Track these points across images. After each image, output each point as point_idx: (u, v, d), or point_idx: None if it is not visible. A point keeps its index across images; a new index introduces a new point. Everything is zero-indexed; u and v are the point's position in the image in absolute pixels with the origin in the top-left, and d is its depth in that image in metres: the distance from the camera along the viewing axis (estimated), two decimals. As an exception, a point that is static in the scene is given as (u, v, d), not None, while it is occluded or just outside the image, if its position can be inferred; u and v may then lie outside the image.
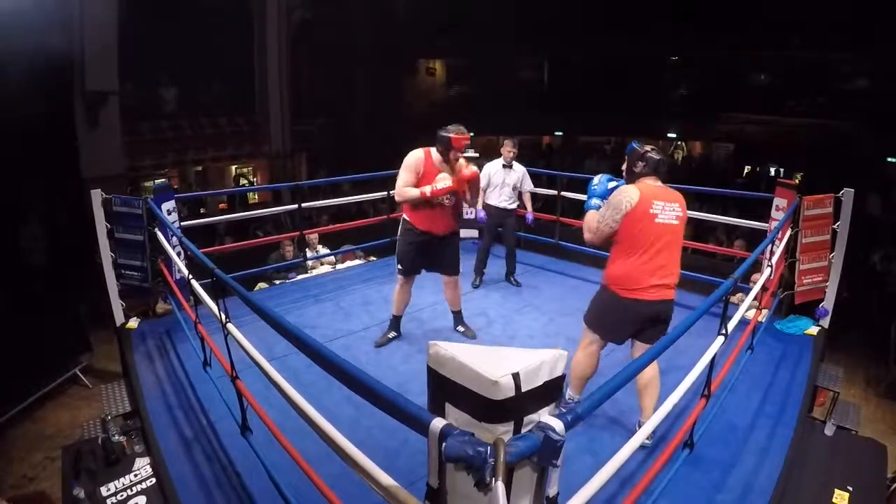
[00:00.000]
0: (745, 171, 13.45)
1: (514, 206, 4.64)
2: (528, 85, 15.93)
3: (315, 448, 1.85)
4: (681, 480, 2.25)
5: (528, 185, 4.67)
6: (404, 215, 3.45)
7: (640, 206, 2.37)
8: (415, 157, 3.28)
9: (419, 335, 3.77)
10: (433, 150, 3.31)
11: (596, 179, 2.66)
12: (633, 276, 2.42)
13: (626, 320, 2.51)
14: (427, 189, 3.20)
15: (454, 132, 3.22)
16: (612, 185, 2.60)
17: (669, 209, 2.41)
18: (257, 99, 11.69)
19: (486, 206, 4.62)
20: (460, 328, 3.77)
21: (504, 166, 4.55)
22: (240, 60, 11.28)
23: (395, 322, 3.71)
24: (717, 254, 6.44)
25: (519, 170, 4.59)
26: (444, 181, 3.20)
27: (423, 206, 3.32)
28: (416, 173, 3.27)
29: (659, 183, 2.46)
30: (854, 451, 2.80)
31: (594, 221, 2.51)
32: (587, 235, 2.55)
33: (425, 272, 3.62)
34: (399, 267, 3.51)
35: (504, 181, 4.54)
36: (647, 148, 2.49)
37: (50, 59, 7.36)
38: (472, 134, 3.35)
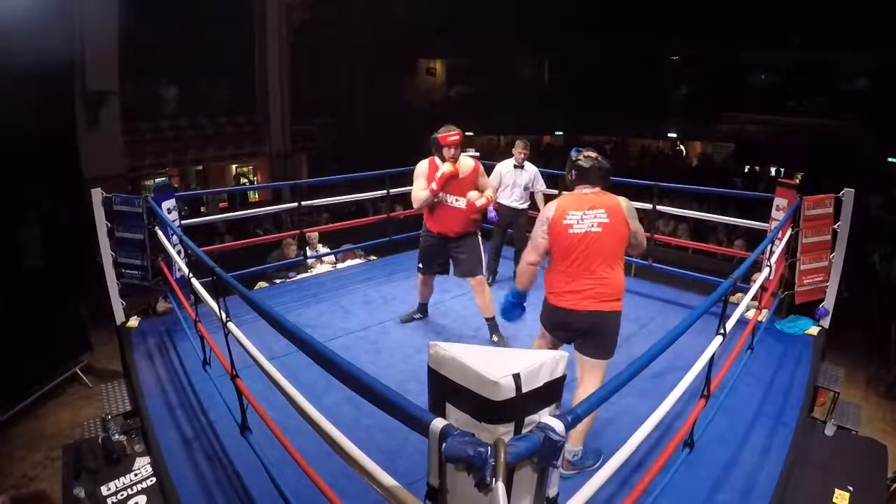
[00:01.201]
0: (745, 170, 13.46)
1: (524, 206, 4.65)
2: (528, 84, 15.92)
3: (315, 447, 1.85)
4: (681, 480, 2.25)
5: (541, 186, 4.68)
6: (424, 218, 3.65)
7: (555, 217, 2.43)
8: (421, 166, 3.51)
9: (419, 335, 3.77)
10: (437, 158, 3.44)
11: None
12: (553, 282, 2.48)
13: (552, 324, 2.53)
14: (433, 184, 3.35)
15: (441, 132, 3.35)
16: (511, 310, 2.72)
17: (590, 217, 2.39)
18: (257, 99, 11.69)
19: (498, 206, 4.62)
20: (494, 338, 3.65)
21: (515, 166, 4.58)
22: (240, 60, 11.29)
23: (422, 307, 3.98)
24: (717, 254, 6.44)
25: (530, 170, 4.61)
26: (442, 169, 3.33)
27: (436, 209, 3.49)
28: (424, 179, 3.46)
29: (588, 190, 2.46)
30: (854, 451, 2.80)
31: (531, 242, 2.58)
32: (531, 257, 2.55)
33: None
34: (419, 266, 3.72)
35: (515, 181, 4.57)
36: (580, 157, 2.49)
37: (50, 59, 7.36)
38: (463, 131, 3.41)
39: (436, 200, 3.43)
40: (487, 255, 4.73)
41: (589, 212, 2.40)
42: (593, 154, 2.49)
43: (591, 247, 2.38)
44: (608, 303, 2.40)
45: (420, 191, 3.43)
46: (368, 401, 1.32)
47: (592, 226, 2.38)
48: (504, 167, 4.62)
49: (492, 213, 4.61)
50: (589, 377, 2.47)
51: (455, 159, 3.36)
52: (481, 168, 3.56)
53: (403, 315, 3.98)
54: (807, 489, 2.50)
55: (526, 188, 4.61)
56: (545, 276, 2.54)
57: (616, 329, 2.46)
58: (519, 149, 4.57)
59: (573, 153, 2.53)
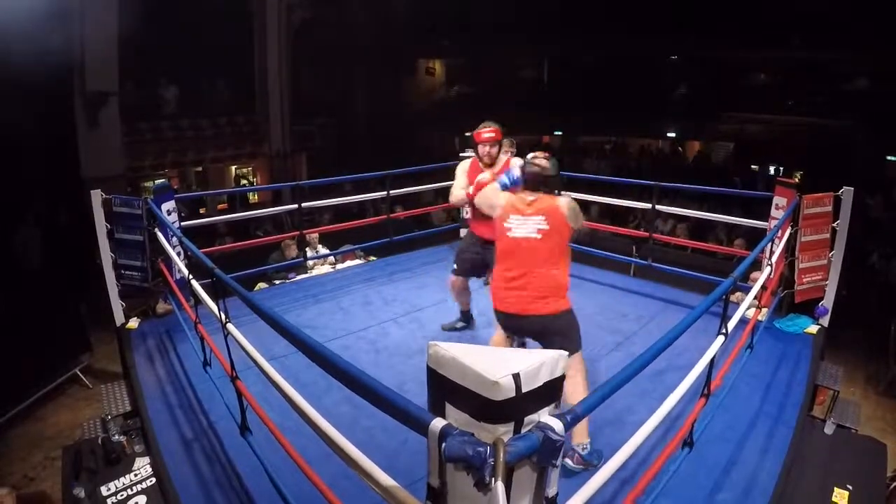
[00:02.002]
0: (744, 169, 13.45)
1: None
2: (527, 85, 15.93)
3: (315, 448, 1.86)
4: (681, 480, 2.25)
5: None
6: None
7: (500, 217, 2.50)
8: (463, 164, 3.48)
9: (419, 335, 3.76)
10: (477, 156, 3.38)
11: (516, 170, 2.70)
12: (496, 285, 2.55)
13: (504, 326, 2.60)
14: (469, 188, 3.25)
15: (478, 129, 3.27)
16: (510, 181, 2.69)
17: (530, 223, 2.42)
18: (257, 99, 11.70)
19: None
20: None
21: None
22: (240, 60, 11.29)
23: (464, 315, 3.81)
24: (717, 253, 6.44)
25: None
26: (480, 177, 3.20)
27: (480, 214, 3.36)
28: (465, 177, 3.39)
29: (531, 197, 2.48)
30: (854, 449, 2.80)
31: (487, 188, 2.72)
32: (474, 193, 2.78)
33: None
34: (454, 266, 3.59)
35: None
36: (525, 162, 2.53)
37: (50, 60, 7.36)
38: (497, 127, 3.30)
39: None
40: None
41: (530, 217, 2.43)
42: (540, 160, 2.50)
43: (530, 252, 2.42)
44: (554, 304, 2.44)
45: (459, 189, 3.39)
46: (368, 401, 1.32)
47: (531, 232, 2.42)
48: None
49: None
50: (573, 375, 2.47)
51: (492, 157, 3.25)
52: (514, 161, 3.32)
53: (446, 323, 3.83)
54: (806, 488, 2.50)
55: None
56: (492, 276, 2.62)
57: (572, 324, 2.51)
58: (505, 147, 4.56)
59: (529, 156, 2.56)
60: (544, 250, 2.43)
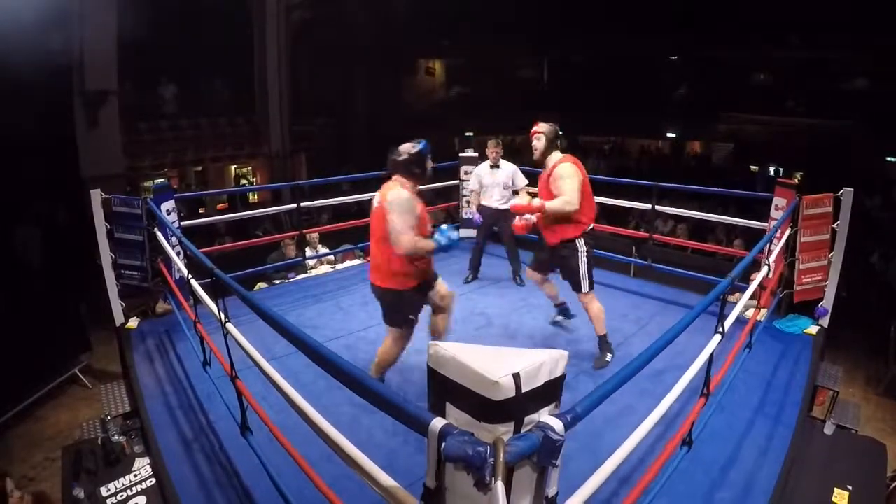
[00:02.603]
0: (743, 170, 13.44)
1: (506, 205, 4.65)
2: (527, 84, 15.92)
3: (315, 448, 1.86)
4: (680, 479, 2.25)
5: (521, 182, 4.68)
6: None
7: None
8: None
9: (419, 336, 3.75)
10: None
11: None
12: None
13: None
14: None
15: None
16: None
17: (375, 200, 2.77)
18: (257, 99, 11.68)
19: (481, 208, 4.68)
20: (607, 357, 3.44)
21: (491, 167, 4.59)
22: (239, 60, 11.27)
23: (560, 308, 3.88)
24: (716, 253, 6.43)
25: (507, 168, 4.62)
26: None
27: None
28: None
29: (392, 179, 2.79)
30: (853, 450, 2.80)
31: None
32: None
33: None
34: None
35: (493, 181, 4.59)
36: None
37: (50, 59, 7.35)
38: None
39: None
40: (472, 254, 4.77)
41: (377, 195, 2.78)
42: (402, 147, 2.81)
43: (373, 226, 2.77)
44: (379, 277, 2.79)
45: None
46: (368, 401, 1.32)
47: (372, 207, 2.77)
48: (481, 170, 4.67)
49: (476, 216, 4.66)
50: (386, 338, 2.96)
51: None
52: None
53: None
54: (806, 488, 2.51)
55: (505, 187, 4.62)
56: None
57: (390, 303, 2.83)
58: (491, 148, 4.59)
59: None
60: (374, 224, 2.75)
